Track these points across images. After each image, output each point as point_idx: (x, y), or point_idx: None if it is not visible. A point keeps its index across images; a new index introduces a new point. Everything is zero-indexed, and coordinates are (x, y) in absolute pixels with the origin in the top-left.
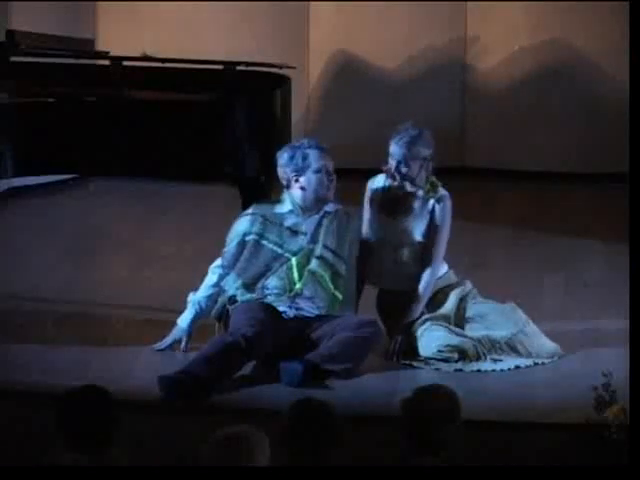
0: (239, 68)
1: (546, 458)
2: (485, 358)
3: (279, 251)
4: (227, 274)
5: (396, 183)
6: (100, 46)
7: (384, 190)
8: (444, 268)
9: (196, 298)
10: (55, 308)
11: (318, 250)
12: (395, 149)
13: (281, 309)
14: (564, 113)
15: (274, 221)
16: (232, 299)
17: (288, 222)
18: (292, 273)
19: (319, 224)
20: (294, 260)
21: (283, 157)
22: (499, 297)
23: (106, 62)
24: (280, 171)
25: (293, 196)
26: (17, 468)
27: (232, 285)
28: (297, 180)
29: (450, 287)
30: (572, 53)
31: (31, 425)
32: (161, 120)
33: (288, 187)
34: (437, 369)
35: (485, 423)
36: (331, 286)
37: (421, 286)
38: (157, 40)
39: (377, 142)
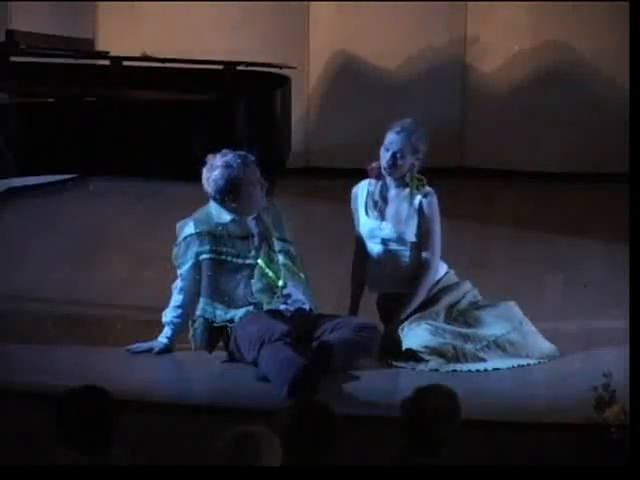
0: (239, 68)
1: (546, 458)
2: (467, 358)
3: (239, 261)
4: (192, 293)
5: (381, 183)
6: (100, 46)
7: (370, 194)
8: (443, 268)
9: (168, 319)
10: (55, 308)
11: (275, 244)
12: (395, 138)
13: (281, 307)
14: (564, 113)
15: (221, 233)
16: (211, 320)
17: (233, 231)
18: (267, 274)
19: (260, 221)
20: (261, 262)
21: (217, 182)
22: (499, 297)
23: (106, 62)
24: (211, 192)
25: (228, 208)
26: (17, 468)
27: (208, 309)
28: (233, 200)
29: (449, 288)
30: (572, 53)
31: (31, 425)
32: (161, 120)
33: (221, 202)
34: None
35: (485, 423)
36: (296, 270)
37: (417, 285)
38: (157, 40)
39: (377, 142)
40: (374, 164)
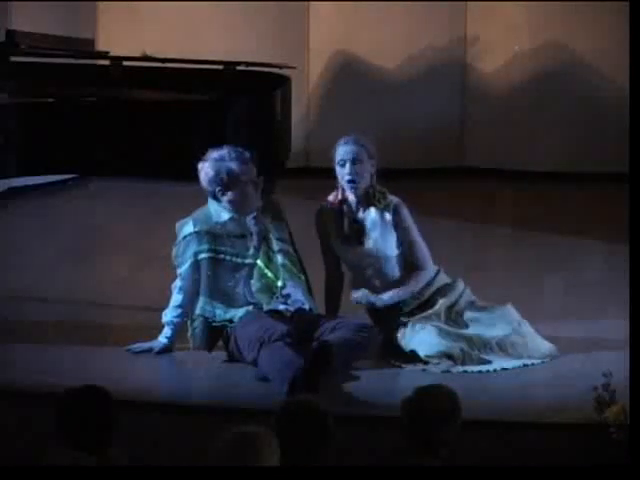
0: (239, 68)
1: (546, 458)
2: (473, 360)
3: (238, 261)
4: (191, 292)
5: (346, 209)
6: (100, 46)
7: (339, 222)
8: (431, 270)
9: (168, 319)
10: (55, 308)
11: (274, 244)
12: (346, 148)
13: (281, 308)
14: (564, 113)
15: (219, 233)
16: (211, 320)
17: (231, 229)
18: (266, 274)
19: (258, 220)
20: (260, 262)
21: (208, 174)
22: (498, 297)
23: (106, 62)
24: (204, 184)
25: (224, 206)
26: (17, 468)
27: (207, 308)
28: (224, 194)
29: (443, 288)
30: (572, 53)
31: (31, 425)
32: (161, 120)
33: (215, 198)
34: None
35: (485, 423)
36: (295, 270)
37: (412, 281)
38: (157, 40)
39: (377, 142)
40: (331, 198)
